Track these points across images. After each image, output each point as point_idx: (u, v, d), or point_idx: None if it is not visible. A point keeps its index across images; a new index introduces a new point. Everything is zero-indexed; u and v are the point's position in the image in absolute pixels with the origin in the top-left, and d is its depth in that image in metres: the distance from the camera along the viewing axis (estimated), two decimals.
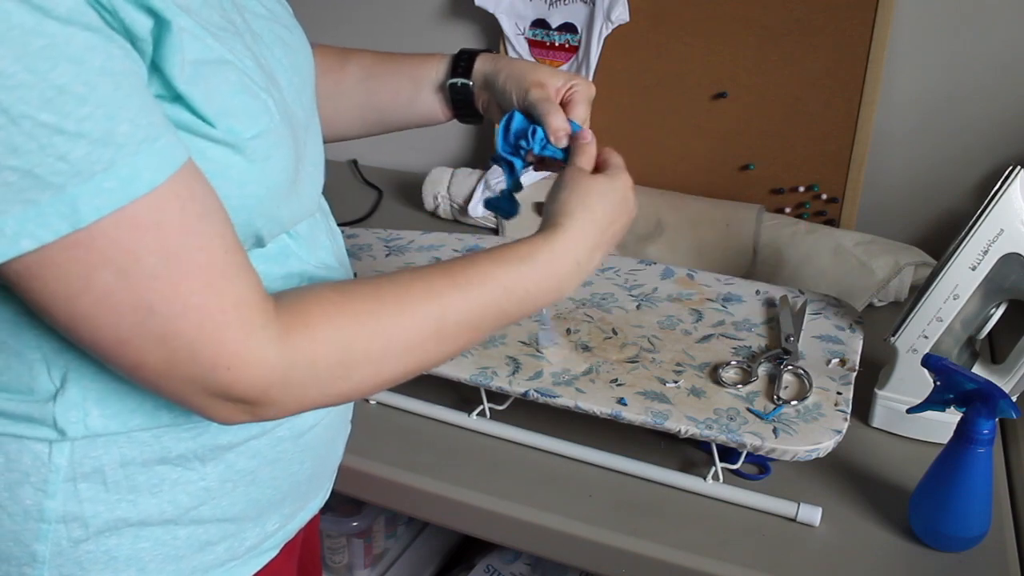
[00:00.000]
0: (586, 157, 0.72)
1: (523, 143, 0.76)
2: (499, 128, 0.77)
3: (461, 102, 0.81)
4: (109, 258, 0.46)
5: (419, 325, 0.58)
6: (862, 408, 0.94)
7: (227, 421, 0.54)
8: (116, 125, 0.45)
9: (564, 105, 0.77)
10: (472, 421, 0.94)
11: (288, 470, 0.67)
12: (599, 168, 0.73)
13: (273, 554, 0.70)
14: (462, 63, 0.81)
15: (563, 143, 0.75)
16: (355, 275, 1.08)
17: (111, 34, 0.46)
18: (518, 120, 0.76)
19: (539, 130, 0.75)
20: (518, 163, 0.78)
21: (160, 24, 0.48)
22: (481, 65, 0.80)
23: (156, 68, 0.49)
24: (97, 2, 0.45)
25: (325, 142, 0.87)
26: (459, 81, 0.80)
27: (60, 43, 0.43)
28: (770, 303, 1.05)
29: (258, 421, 0.56)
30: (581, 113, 0.76)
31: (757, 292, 1.07)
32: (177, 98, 0.50)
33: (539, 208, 0.75)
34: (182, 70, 0.49)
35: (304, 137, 0.63)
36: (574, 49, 1.34)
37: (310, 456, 0.69)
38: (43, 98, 0.43)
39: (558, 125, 0.74)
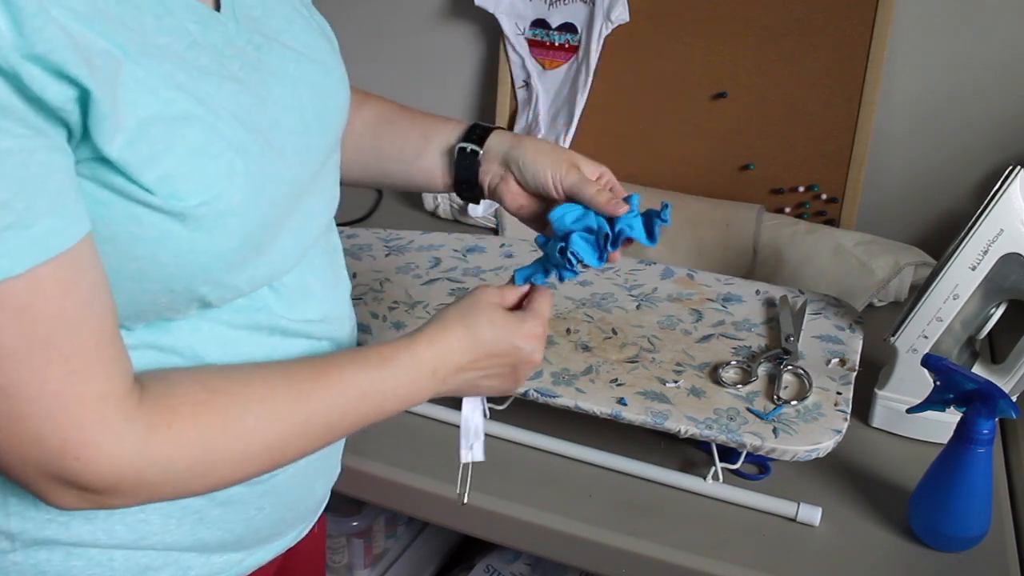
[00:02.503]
0: (509, 291, 0.69)
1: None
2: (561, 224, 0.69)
3: (464, 171, 0.76)
4: None
5: (282, 427, 0.56)
6: (862, 408, 0.94)
7: (65, 507, 0.51)
8: None
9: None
10: None
11: (242, 515, 0.63)
12: (521, 306, 0.69)
13: None
14: (476, 132, 0.76)
15: (623, 209, 0.69)
16: (354, 275, 1.08)
17: (11, 105, 0.42)
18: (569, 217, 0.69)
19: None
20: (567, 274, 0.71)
21: (86, 92, 0.45)
22: (498, 140, 0.74)
23: (87, 134, 0.46)
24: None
25: None
26: (468, 147, 0.75)
27: None
28: (770, 303, 1.05)
29: (100, 508, 0.52)
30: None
31: (757, 292, 1.07)
32: (110, 163, 0.47)
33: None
34: (115, 136, 0.46)
35: (305, 186, 0.60)
36: (574, 49, 1.34)
37: (271, 503, 0.65)
38: None
39: (608, 201, 0.69)
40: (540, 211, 0.74)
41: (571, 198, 0.71)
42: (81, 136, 0.46)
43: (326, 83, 0.63)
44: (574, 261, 0.69)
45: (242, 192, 0.52)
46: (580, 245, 0.69)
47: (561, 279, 0.70)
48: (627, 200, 0.69)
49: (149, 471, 0.51)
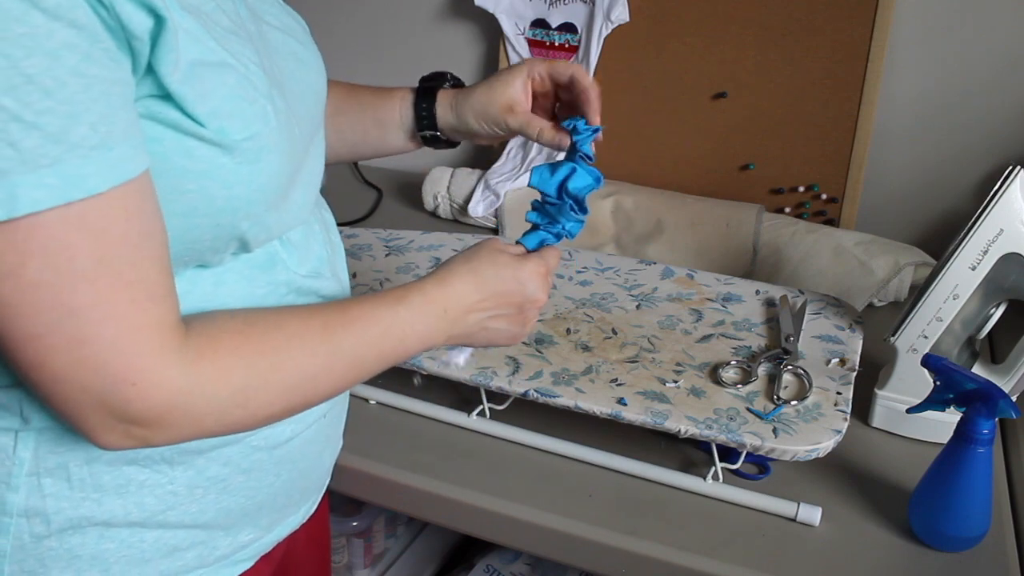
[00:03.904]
0: (515, 248, 0.74)
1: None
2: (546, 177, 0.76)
3: (434, 145, 0.86)
4: (46, 250, 0.46)
5: (313, 359, 0.59)
6: (862, 408, 0.94)
7: (109, 444, 0.53)
8: (73, 125, 0.45)
9: (542, 97, 0.82)
10: (472, 421, 0.94)
11: (263, 481, 0.66)
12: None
13: (247, 565, 0.69)
14: (424, 108, 0.83)
15: (567, 142, 0.77)
16: (354, 275, 1.08)
17: (99, 34, 0.46)
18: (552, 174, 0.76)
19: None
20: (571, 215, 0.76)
21: (159, 24, 0.49)
22: (444, 114, 0.83)
23: (151, 68, 0.50)
24: None
25: None
26: (427, 133, 0.84)
27: (40, 35, 0.44)
28: (770, 303, 1.05)
29: (142, 447, 0.54)
30: (574, 80, 0.79)
31: (757, 292, 1.07)
32: (168, 97, 0.51)
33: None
34: (175, 70, 0.50)
35: (306, 148, 0.64)
36: (574, 49, 1.34)
37: (287, 469, 0.68)
38: (9, 84, 0.44)
39: (552, 139, 0.77)
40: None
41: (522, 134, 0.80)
42: (143, 72, 0.50)
43: (308, 58, 0.68)
44: (587, 207, 0.75)
45: (276, 134, 0.57)
46: (583, 185, 0.74)
47: (571, 236, 0.76)
48: (568, 127, 0.77)
49: (196, 399, 0.53)
